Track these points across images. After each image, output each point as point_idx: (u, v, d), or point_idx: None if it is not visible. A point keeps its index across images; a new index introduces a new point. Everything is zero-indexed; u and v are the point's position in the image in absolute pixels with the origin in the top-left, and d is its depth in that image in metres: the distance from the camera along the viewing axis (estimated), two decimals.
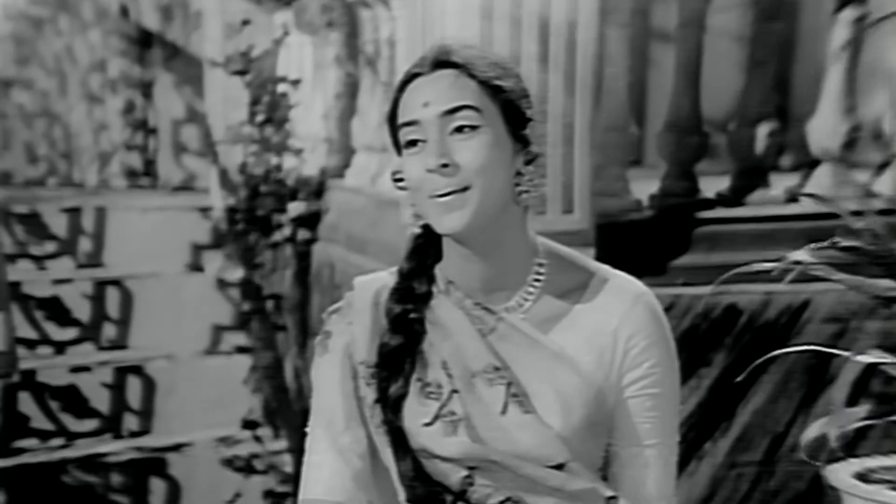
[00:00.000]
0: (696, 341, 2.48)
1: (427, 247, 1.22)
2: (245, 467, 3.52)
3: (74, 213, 3.89)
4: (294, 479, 3.51)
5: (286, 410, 3.63)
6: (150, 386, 3.63)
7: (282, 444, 3.58)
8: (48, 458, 3.41)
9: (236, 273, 3.81)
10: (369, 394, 1.18)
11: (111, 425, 3.59)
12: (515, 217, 1.18)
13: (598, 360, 1.18)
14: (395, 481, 1.17)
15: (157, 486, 3.45)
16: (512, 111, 1.17)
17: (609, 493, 1.17)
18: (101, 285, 3.76)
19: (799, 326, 2.45)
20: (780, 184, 2.91)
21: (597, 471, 1.20)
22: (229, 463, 3.50)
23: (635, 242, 2.69)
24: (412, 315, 1.19)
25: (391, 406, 1.17)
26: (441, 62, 1.17)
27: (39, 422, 3.52)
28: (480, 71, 1.16)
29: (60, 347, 3.70)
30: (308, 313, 3.53)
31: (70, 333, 3.71)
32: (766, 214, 2.75)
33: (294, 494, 3.51)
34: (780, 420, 2.48)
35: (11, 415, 3.45)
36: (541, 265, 1.20)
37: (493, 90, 1.16)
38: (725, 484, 2.52)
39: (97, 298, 3.74)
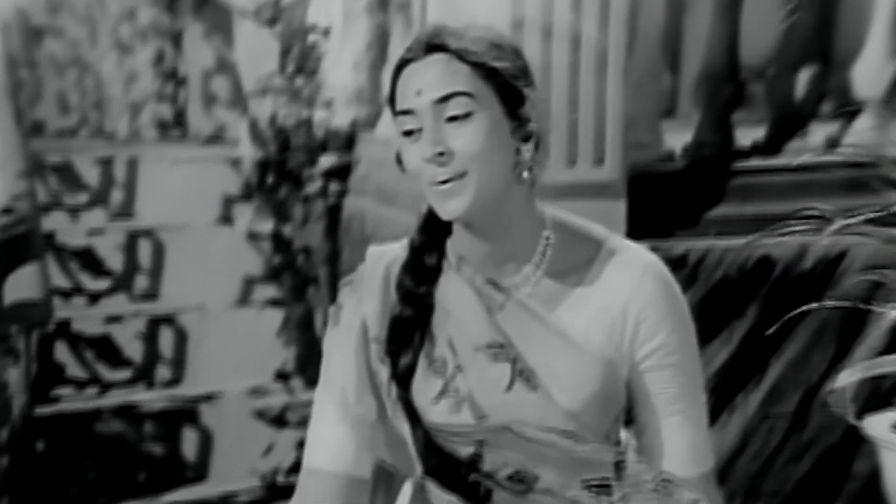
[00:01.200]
0: (728, 293, 2.44)
1: (437, 221, 1.21)
2: (277, 418, 3.54)
3: (106, 163, 3.91)
4: None
5: (318, 363, 3.64)
6: (181, 337, 3.66)
7: (313, 394, 3.60)
8: (83, 407, 3.45)
9: (267, 225, 3.81)
10: (383, 370, 1.20)
11: (144, 375, 3.63)
12: (519, 195, 1.18)
13: (608, 335, 1.18)
14: (412, 455, 1.19)
15: (190, 436, 3.49)
16: (507, 91, 1.16)
17: (616, 457, 1.19)
18: (133, 236, 3.78)
19: (836, 278, 2.40)
20: (820, 132, 2.83)
21: (605, 438, 1.20)
22: (261, 414, 3.53)
23: (668, 194, 2.65)
24: (422, 289, 1.20)
25: (400, 379, 1.18)
26: (433, 46, 1.16)
27: (74, 371, 3.56)
28: (473, 53, 1.15)
29: (94, 298, 3.73)
30: (339, 266, 3.53)
31: (103, 284, 3.75)
32: (803, 164, 2.68)
33: None
34: (814, 372, 2.44)
35: (47, 364, 3.50)
36: (548, 238, 1.20)
37: (486, 72, 1.15)
38: (757, 436, 2.49)
39: (129, 249, 3.77)
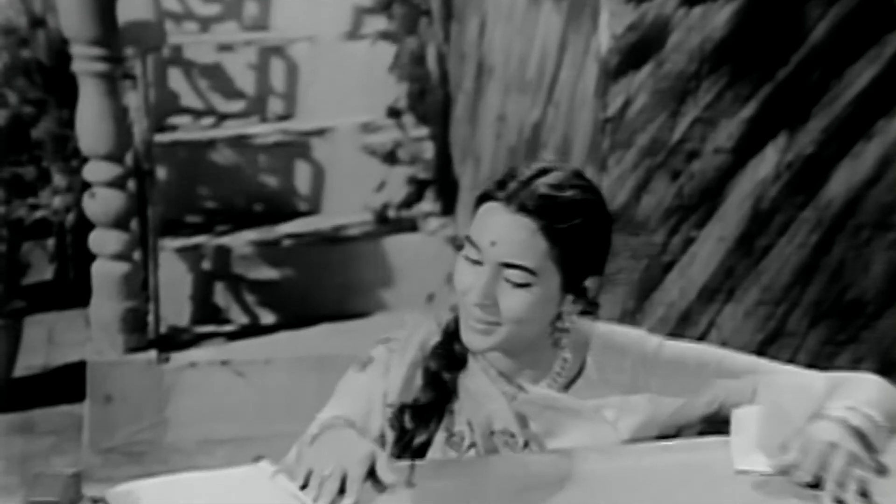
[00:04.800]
0: (884, 3, 2.20)
1: None
2: (389, 155, 3.52)
3: None
4: (436, 166, 3.51)
5: (429, 98, 3.57)
6: (293, 69, 3.61)
7: (424, 131, 3.55)
8: (200, 137, 3.49)
9: None
10: (389, 434, 1.28)
11: (257, 107, 3.62)
12: (546, 338, 1.26)
13: (616, 412, 1.26)
14: None
15: (302, 169, 3.51)
16: (573, 273, 1.22)
17: None
18: None
19: None
20: None
21: None
22: (373, 150, 3.50)
23: None
24: (446, 375, 1.27)
25: (414, 453, 1.26)
26: (526, 208, 1.19)
27: (189, 100, 3.58)
28: (559, 232, 1.18)
29: (205, 24, 3.69)
30: None
31: (213, 9, 3.68)
32: None
33: (435, 181, 3.53)
34: None
35: (164, 90, 3.51)
36: (565, 360, 1.28)
37: (562, 254, 1.19)
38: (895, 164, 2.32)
39: None
